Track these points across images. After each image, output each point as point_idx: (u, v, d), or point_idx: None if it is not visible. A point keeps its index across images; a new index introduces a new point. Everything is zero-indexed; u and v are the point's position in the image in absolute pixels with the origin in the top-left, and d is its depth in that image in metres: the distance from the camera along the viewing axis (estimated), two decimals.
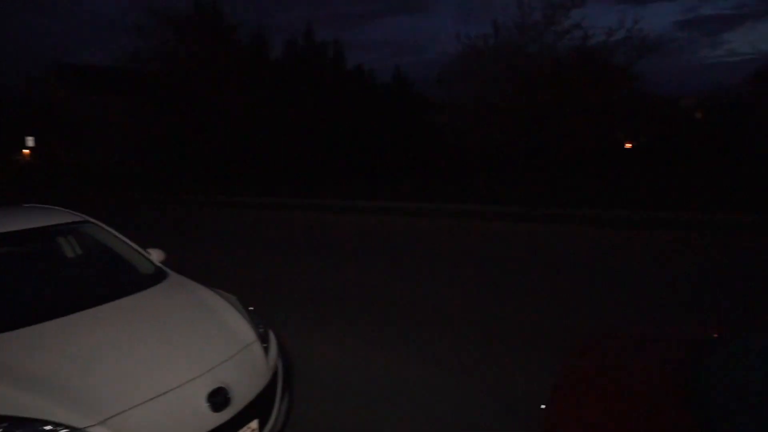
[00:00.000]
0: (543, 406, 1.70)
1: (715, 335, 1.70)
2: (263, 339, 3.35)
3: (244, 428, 2.79)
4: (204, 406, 2.62)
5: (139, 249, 4.23)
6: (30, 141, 39.97)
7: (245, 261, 9.17)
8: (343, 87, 26.31)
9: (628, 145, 42.19)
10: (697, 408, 1.37)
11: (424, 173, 24.01)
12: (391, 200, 15.43)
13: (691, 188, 14.57)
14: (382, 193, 17.12)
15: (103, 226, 4.32)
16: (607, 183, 15.87)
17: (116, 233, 4.29)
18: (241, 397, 2.80)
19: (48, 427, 2.23)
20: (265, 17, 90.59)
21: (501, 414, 3.66)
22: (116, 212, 16.03)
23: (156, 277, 3.87)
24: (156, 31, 23.43)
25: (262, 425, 2.92)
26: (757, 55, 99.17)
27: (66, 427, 2.25)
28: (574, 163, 20.80)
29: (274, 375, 3.20)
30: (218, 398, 2.68)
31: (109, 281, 3.96)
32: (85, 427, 2.28)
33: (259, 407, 2.91)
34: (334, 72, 27.28)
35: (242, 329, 3.29)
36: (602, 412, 1.56)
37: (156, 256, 4.27)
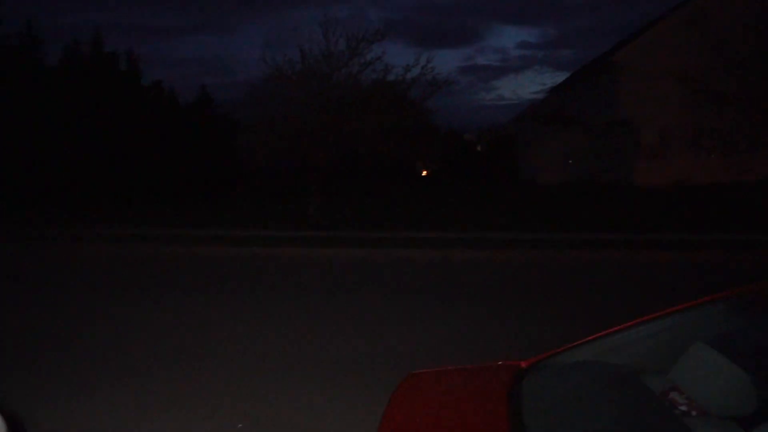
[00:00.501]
0: None
1: (523, 365, 1.72)
2: None
3: None
4: None
5: None
6: None
7: None
8: (137, 103, 23.91)
9: (424, 173, 47.00)
10: None
11: (219, 198, 23.11)
12: (180, 227, 14.12)
13: (469, 209, 16.55)
14: (170, 219, 15.76)
15: None
16: (403, 206, 17.15)
17: None
18: None
19: None
20: (47, 17, 78.50)
21: None
22: None
23: None
24: None
25: None
26: (518, 100, 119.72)
27: None
28: (378, 188, 22.14)
29: None
30: None
31: None
32: None
33: None
34: (126, 86, 24.64)
35: None
36: None
37: None
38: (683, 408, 1.36)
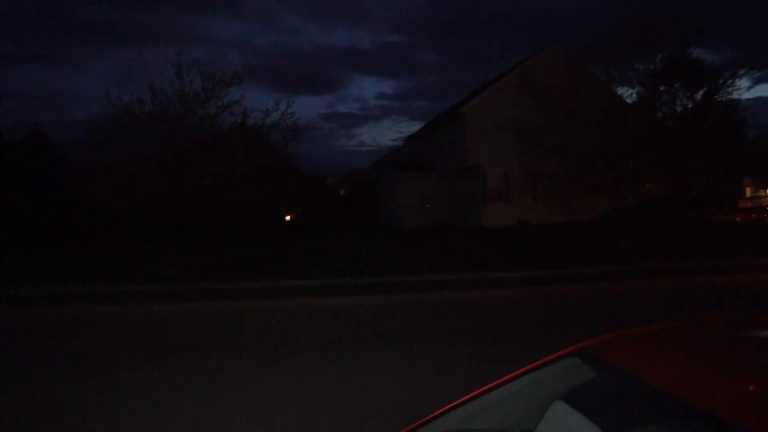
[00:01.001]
0: None
1: None
2: None
3: None
4: None
5: None
6: None
7: None
8: None
9: (288, 217, 46.38)
10: None
11: (50, 248, 20.35)
12: None
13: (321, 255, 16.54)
14: None
15: None
16: (264, 253, 16.55)
17: None
18: None
19: None
20: None
21: None
22: None
23: None
24: None
25: None
26: (378, 147, 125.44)
27: None
28: (238, 235, 21.17)
29: None
30: None
31: None
32: None
33: None
34: None
35: None
36: None
37: None
38: None
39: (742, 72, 18.66)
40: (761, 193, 41.09)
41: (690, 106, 21.66)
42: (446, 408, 1.62)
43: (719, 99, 21.36)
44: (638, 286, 11.09)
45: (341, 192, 51.24)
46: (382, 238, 22.04)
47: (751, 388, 1.04)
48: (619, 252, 14.68)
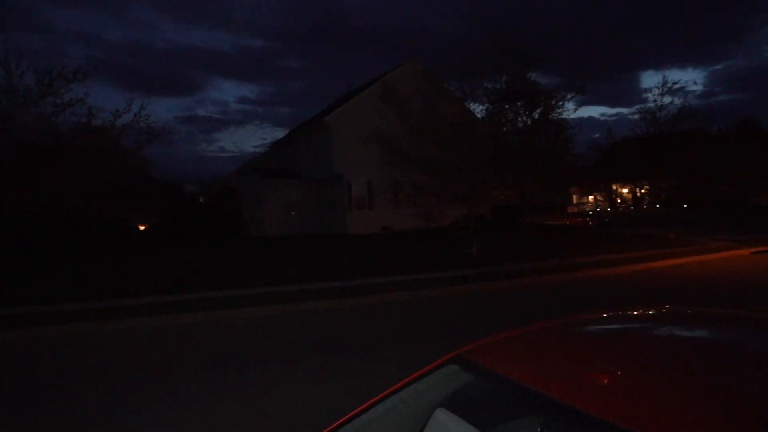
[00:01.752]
0: None
1: None
2: None
3: None
4: None
5: None
6: None
7: None
8: None
9: (142, 227, 42.52)
10: None
11: None
12: None
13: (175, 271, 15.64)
14: None
15: None
16: (115, 268, 15.08)
17: None
18: None
19: None
20: None
21: None
22: None
23: None
24: None
25: None
26: (240, 153, 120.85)
27: None
28: (83, 249, 18.93)
29: None
30: None
31: None
32: None
33: None
34: None
35: None
36: None
37: None
38: None
39: (569, 95, 21.46)
40: (584, 200, 47.39)
41: (529, 123, 24.42)
42: (332, 427, 1.65)
43: (552, 118, 24.37)
44: (493, 287, 12.14)
45: (201, 200, 48.44)
46: (245, 248, 21.31)
47: (605, 381, 1.24)
48: (471, 256, 15.93)
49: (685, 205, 37.23)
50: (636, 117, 21.50)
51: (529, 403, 1.33)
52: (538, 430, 1.27)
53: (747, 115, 53.19)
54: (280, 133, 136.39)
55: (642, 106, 22.28)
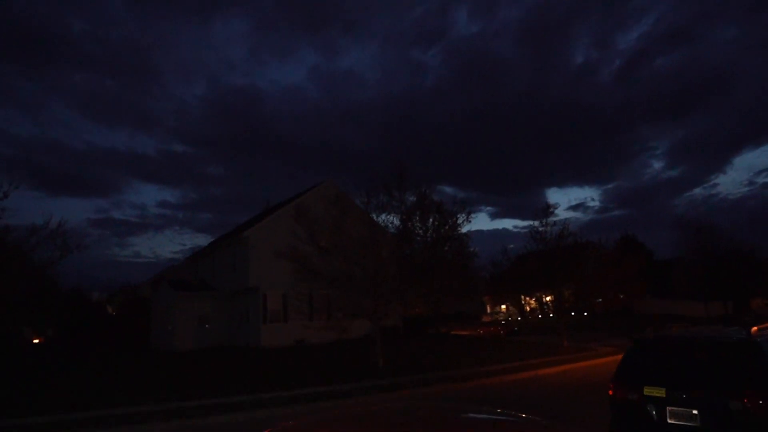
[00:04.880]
0: None
1: None
2: None
3: None
4: None
5: None
6: None
7: None
8: None
9: (36, 341, 39.20)
10: None
11: None
12: None
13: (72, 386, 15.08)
14: None
15: None
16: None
17: None
18: None
19: None
20: None
21: None
22: None
23: None
24: None
25: None
26: (156, 259, 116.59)
27: None
28: None
29: None
30: None
31: None
32: None
33: None
34: None
35: None
36: None
37: None
38: None
39: (468, 210, 23.83)
40: (497, 309, 49.73)
41: (435, 237, 26.55)
42: None
43: (456, 233, 26.68)
44: (391, 397, 12.79)
45: (109, 310, 45.84)
46: (150, 362, 20.61)
47: None
48: (377, 368, 16.60)
49: (585, 313, 40.20)
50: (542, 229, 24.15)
51: None
52: None
53: (628, 230, 59.94)
54: (200, 239, 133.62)
55: (531, 225, 25.13)
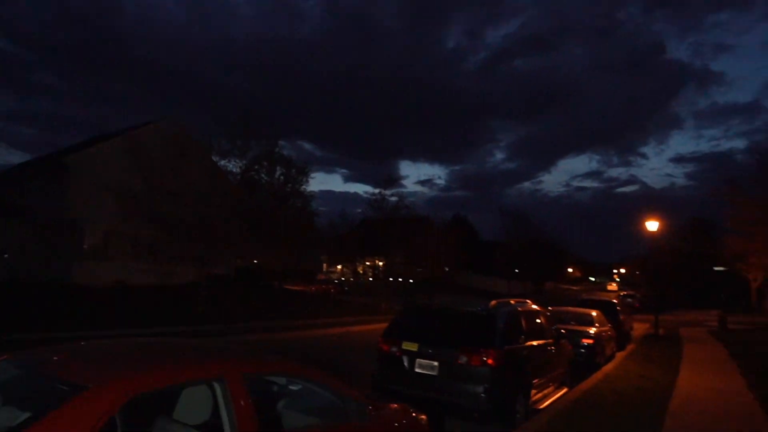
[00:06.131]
0: None
1: None
2: None
3: None
4: None
5: None
6: None
7: None
8: None
9: None
10: None
11: None
12: None
13: None
14: None
15: None
16: None
17: None
18: None
19: None
20: None
21: None
22: None
23: None
24: None
25: None
26: None
27: None
28: None
29: None
30: None
31: None
32: None
33: None
34: None
35: None
36: None
37: None
38: None
39: (308, 170, 24.42)
40: (334, 269, 51.71)
41: (280, 192, 26.72)
42: None
43: (301, 190, 27.08)
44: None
45: None
46: None
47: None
48: (198, 315, 16.68)
49: (411, 281, 43.85)
50: (394, 199, 25.58)
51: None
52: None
53: (464, 210, 66.29)
54: (14, 157, 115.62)
55: (371, 194, 26.60)
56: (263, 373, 3.34)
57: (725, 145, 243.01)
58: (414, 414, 4.10)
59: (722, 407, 7.62)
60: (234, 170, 22.14)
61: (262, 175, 25.49)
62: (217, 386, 2.71)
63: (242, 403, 2.70)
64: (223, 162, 21.37)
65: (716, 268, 34.00)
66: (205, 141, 21.01)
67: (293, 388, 3.63)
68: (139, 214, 17.72)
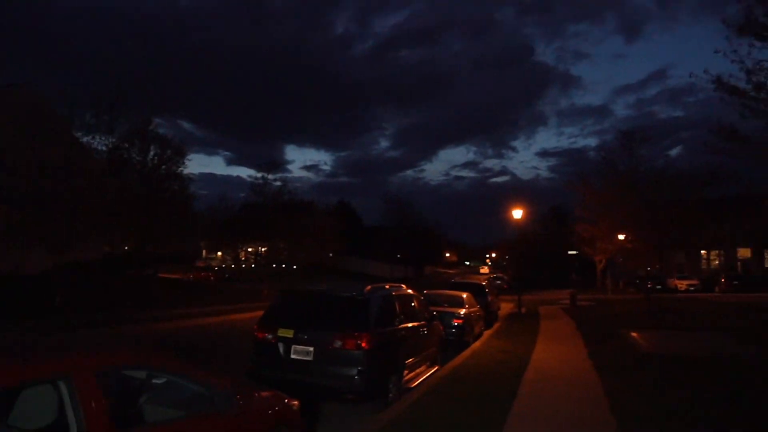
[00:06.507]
0: None
1: None
2: None
3: None
4: None
5: None
6: None
7: None
8: None
9: None
10: None
11: None
12: None
13: None
14: None
15: None
16: None
17: None
18: None
19: None
20: None
21: None
22: None
23: None
24: None
25: None
26: None
27: None
28: None
29: None
30: None
31: None
32: None
33: None
34: None
35: None
36: None
37: None
38: None
39: (184, 150, 23.03)
40: (214, 255, 49.56)
41: (154, 172, 24.83)
42: None
43: (177, 171, 25.40)
44: (59, 339, 11.88)
45: None
46: None
47: None
48: (54, 307, 15.09)
49: (294, 267, 43.41)
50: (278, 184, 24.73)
51: None
52: None
53: (348, 196, 67.11)
54: None
55: (254, 178, 25.88)
56: (117, 367, 3.15)
57: (581, 142, 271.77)
58: (286, 400, 4.13)
59: (567, 374, 8.63)
60: (100, 147, 20.18)
61: (133, 155, 23.56)
62: (62, 385, 2.51)
63: (92, 402, 2.54)
64: (87, 138, 19.35)
65: (570, 252, 38.11)
66: (67, 113, 18.81)
67: (156, 381, 3.48)
68: None
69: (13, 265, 19.85)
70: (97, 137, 19.41)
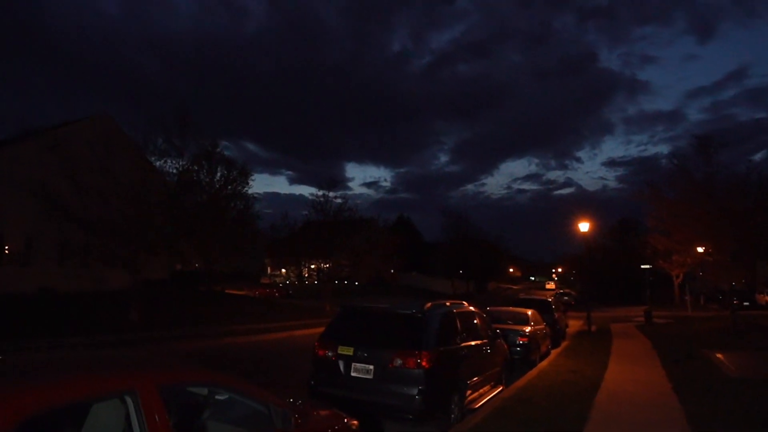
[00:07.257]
0: None
1: None
2: None
3: None
4: None
5: None
6: None
7: None
8: None
9: None
10: None
11: None
12: None
13: None
14: None
15: None
16: None
17: None
18: None
19: None
20: None
21: None
22: None
23: None
24: None
25: None
26: None
27: None
28: None
29: None
30: None
31: None
32: None
33: None
34: None
35: None
36: None
37: None
38: None
39: (248, 170, 23.79)
40: (278, 272, 50.89)
41: (220, 192, 25.91)
42: None
43: (242, 191, 26.34)
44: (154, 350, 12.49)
45: None
46: None
47: None
48: (131, 322, 15.94)
49: (356, 282, 43.76)
50: (339, 201, 25.28)
51: None
52: None
53: (409, 212, 67.05)
54: None
55: (315, 196, 26.48)
56: (182, 384, 3.22)
57: (651, 149, 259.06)
58: (345, 420, 4.08)
59: (644, 397, 8.06)
60: (171, 171, 21.30)
61: (202, 176, 24.72)
62: (128, 400, 2.58)
63: (156, 417, 2.59)
64: (159, 162, 20.51)
65: (643, 266, 36.15)
66: (140, 139, 20.06)
67: (219, 398, 3.53)
68: (66, 216, 16.70)
69: (96, 282, 21.28)
70: (169, 161, 20.49)
